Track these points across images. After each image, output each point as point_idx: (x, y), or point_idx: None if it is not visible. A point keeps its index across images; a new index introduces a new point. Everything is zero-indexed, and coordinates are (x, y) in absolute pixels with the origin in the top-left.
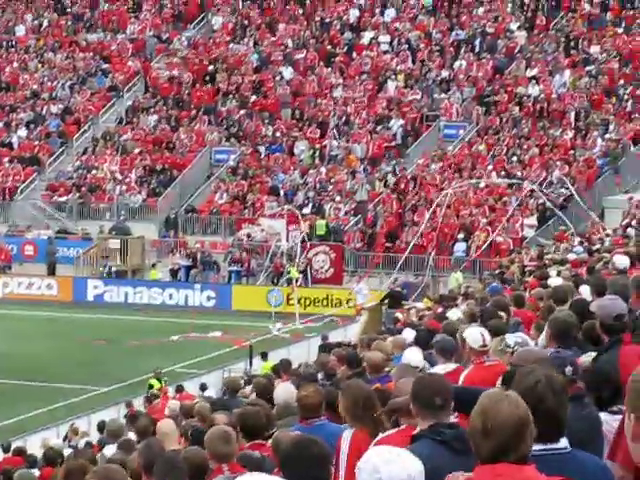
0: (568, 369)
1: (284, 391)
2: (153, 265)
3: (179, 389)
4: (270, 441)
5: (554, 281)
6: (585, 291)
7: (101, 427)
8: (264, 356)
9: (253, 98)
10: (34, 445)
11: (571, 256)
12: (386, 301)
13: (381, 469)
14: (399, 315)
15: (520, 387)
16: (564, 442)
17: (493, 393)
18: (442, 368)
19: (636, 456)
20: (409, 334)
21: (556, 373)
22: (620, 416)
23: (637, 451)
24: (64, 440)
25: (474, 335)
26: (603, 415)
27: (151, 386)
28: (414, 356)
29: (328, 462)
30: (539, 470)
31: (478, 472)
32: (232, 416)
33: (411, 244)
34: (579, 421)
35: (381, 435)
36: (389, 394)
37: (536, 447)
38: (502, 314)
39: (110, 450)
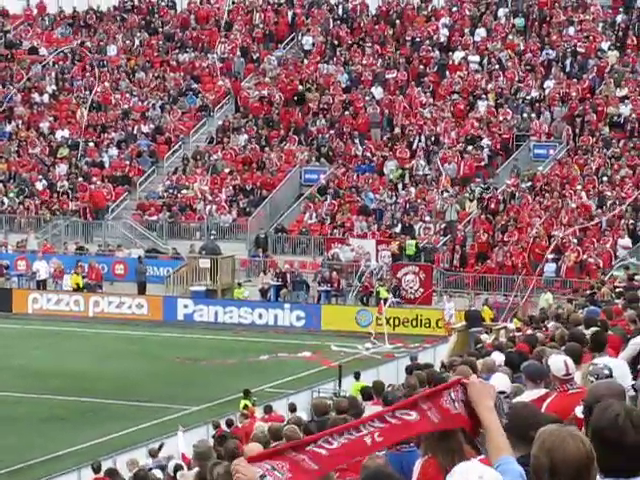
0: None
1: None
2: (239, 284)
3: (267, 410)
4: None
5: None
6: None
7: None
8: (357, 376)
9: (343, 117)
10: (123, 464)
11: None
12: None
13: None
14: (484, 336)
15: (600, 421)
16: None
17: (557, 430)
18: (531, 394)
19: None
20: (498, 357)
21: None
22: None
23: None
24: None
25: (558, 364)
26: None
27: (246, 406)
28: (501, 381)
29: None
30: None
31: None
32: None
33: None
34: None
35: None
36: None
37: None
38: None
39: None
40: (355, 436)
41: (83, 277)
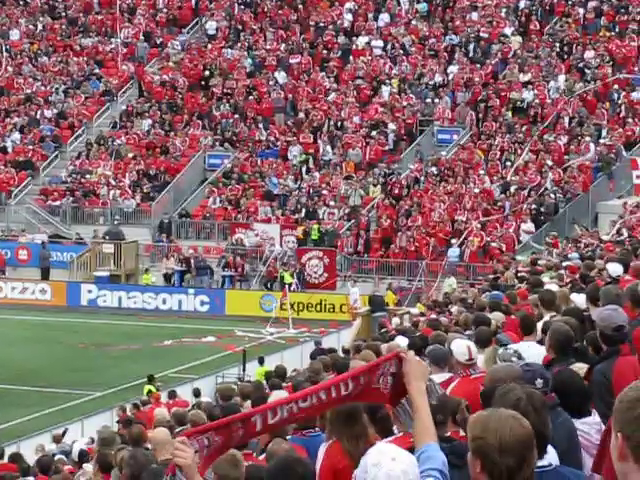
0: (538, 381)
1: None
2: (146, 270)
3: (172, 395)
4: (265, 453)
5: (548, 287)
6: (579, 299)
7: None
8: (261, 361)
9: (247, 102)
10: (28, 451)
11: (566, 262)
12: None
13: (369, 470)
14: (389, 320)
15: (503, 406)
16: (548, 458)
17: (497, 412)
18: (436, 378)
19: (621, 475)
20: (402, 341)
21: (527, 386)
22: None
23: (621, 470)
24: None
25: (461, 348)
26: (577, 423)
27: (149, 392)
28: None
29: None
30: None
31: None
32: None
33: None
34: (555, 430)
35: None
36: (380, 406)
37: None
38: (492, 320)
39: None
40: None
41: None
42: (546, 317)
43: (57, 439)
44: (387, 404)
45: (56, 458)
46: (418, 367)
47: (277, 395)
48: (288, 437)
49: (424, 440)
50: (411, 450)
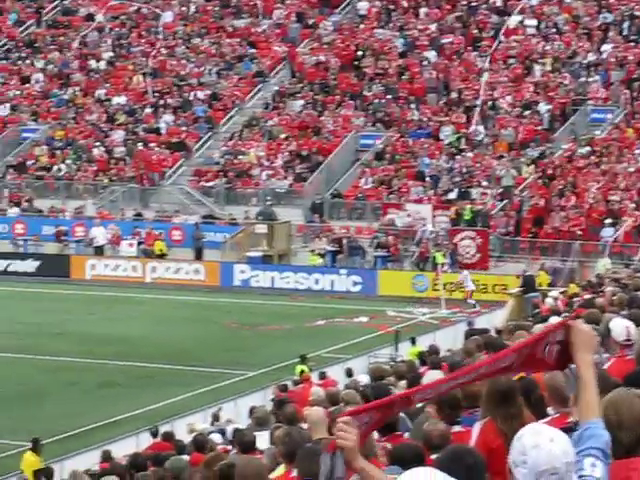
0: None
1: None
2: (312, 251)
3: (322, 375)
4: (422, 435)
5: None
6: None
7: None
8: (413, 341)
9: (399, 82)
10: (180, 430)
11: None
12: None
13: (528, 452)
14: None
15: None
16: None
17: (624, 391)
18: None
19: None
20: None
21: None
22: None
23: None
24: (211, 424)
25: (619, 328)
26: None
27: (302, 372)
28: None
29: (483, 471)
30: None
31: (614, 467)
32: None
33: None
34: None
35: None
36: (535, 384)
37: None
38: None
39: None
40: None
41: (139, 243)
42: None
43: (213, 418)
44: (552, 370)
45: (210, 437)
46: (587, 337)
47: (432, 374)
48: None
49: (587, 416)
50: (566, 431)
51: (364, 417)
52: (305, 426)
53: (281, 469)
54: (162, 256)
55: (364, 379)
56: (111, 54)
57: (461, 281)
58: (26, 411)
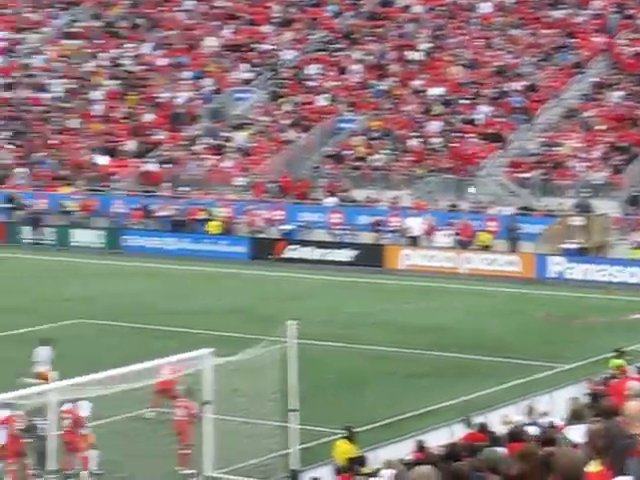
0: None
1: None
2: (634, 244)
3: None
4: None
5: None
6: None
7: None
8: None
9: None
10: (493, 421)
11: None
12: None
13: None
14: None
15: None
16: None
17: None
18: None
19: None
20: None
21: None
22: None
23: None
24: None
25: None
26: None
27: (619, 365)
28: None
29: None
30: None
31: None
32: None
33: None
34: None
35: None
36: None
37: None
38: None
39: (573, 432)
40: None
41: (457, 234)
42: None
43: (528, 411)
44: None
45: (525, 429)
46: None
47: None
48: None
49: None
50: None
51: None
52: (621, 420)
53: (596, 464)
54: (486, 247)
55: None
56: (428, 45)
57: None
58: (344, 399)
